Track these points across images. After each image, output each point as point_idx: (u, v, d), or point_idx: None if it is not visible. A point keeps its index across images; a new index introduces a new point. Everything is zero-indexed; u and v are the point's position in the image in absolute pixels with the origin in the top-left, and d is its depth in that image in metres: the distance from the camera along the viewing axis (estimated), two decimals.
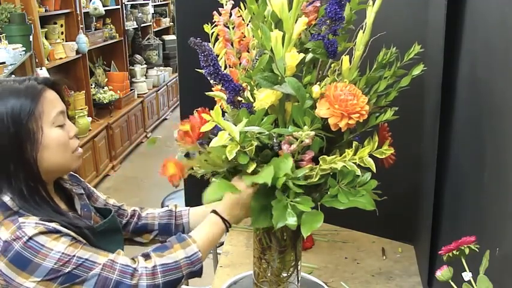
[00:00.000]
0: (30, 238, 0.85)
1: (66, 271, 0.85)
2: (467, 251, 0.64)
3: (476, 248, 0.64)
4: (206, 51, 0.88)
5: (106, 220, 1.06)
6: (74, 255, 0.86)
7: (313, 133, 0.85)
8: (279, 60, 0.87)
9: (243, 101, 0.95)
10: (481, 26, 0.94)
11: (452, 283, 0.65)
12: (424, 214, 1.27)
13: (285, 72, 0.88)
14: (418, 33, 1.19)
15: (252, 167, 0.87)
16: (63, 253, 0.86)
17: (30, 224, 0.87)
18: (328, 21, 0.87)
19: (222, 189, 0.88)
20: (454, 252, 0.65)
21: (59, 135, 0.95)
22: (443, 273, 0.66)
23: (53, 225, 0.88)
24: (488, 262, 0.62)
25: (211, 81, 0.93)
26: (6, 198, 0.91)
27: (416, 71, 0.91)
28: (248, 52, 1.01)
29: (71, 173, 1.13)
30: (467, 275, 0.62)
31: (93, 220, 1.05)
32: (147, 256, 0.94)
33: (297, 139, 0.85)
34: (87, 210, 1.07)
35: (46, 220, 0.89)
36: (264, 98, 0.89)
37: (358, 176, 0.89)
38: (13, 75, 2.77)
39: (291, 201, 0.85)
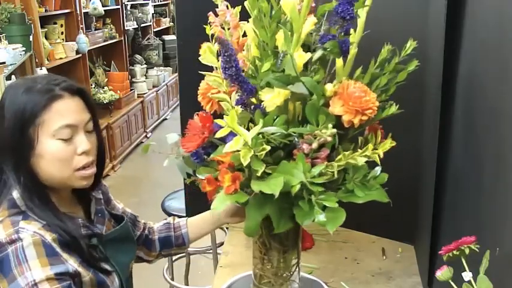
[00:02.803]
0: (22, 246, 0.83)
1: None
2: (467, 251, 0.64)
3: (476, 248, 0.64)
4: (229, 51, 0.84)
5: (117, 228, 1.04)
6: None
7: (334, 130, 0.85)
8: (289, 60, 0.88)
9: (255, 103, 0.94)
10: (481, 26, 0.94)
11: (452, 283, 0.65)
12: (424, 214, 1.27)
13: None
14: (418, 33, 1.19)
15: (261, 170, 0.84)
16: (35, 282, 0.81)
17: (29, 232, 0.85)
18: (340, 21, 0.88)
19: (228, 199, 0.85)
20: (454, 252, 0.65)
21: (56, 148, 0.90)
22: (443, 273, 0.66)
23: (50, 241, 0.85)
24: (488, 262, 0.62)
25: (229, 83, 0.90)
26: (16, 195, 0.89)
27: (411, 66, 0.93)
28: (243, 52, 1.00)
29: None
30: (467, 275, 0.62)
31: (105, 226, 1.03)
32: None
33: (315, 137, 0.86)
34: (101, 216, 1.04)
35: (48, 229, 0.86)
36: (271, 98, 0.89)
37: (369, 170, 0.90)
38: (13, 76, 2.77)
39: (317, 200, 0.85)
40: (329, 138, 0.85)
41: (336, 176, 0.86)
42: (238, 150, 0.83)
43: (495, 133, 0.82)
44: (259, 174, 0.83)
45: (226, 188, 0.84)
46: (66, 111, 0.91)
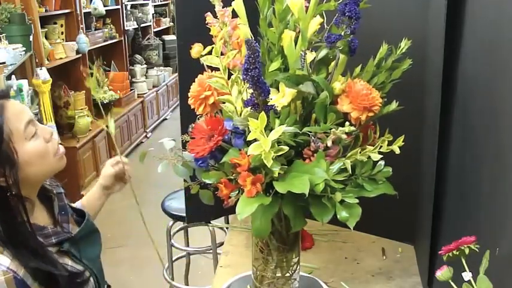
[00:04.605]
0: None
1: None
2: (467, 251, 0.64)
3: (476, 248, 0.64)
4: (256, 53, 0.82)
5: (83, 226, 1.03)
6: None
7: (354, 128, 0.87)
8: (296, 60, 0.89)
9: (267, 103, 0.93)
10: (481, 26, 0.94)
11: (452, 283, 0.65)
12: (424, 214, 1.27)
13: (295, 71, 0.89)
14: (418, 33, 1.19)
15: (277, 170, 0.84)
16: None
17: (1, 267, 0.82)
18: (347, 20, 0.89)
19: (252, 203, 0.83)
20: (454, 252, 0.65)
21: (35, 146, 0.90)
22: (443, 273, 0.65)
23: (23, 274, 0.82)
24: (488, 262, 0.62)
25: (247, 84, 0.88)
26: None
27: (405, 64, 0.96)
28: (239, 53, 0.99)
29: None
30: (467, 275, 0.62)
31: (70, 223, 1.02)
32: None
33: (327, 136, 0.87)
34: (65, 213, 1.03)
35: (22, 264, 0.83)
36: (277, 98, 0.89)
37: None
38: (13, 76, 2.77)
39: (344, 196, 0.85)
40: (344, 136, 0.86)
41: (349, 172, 0.88)
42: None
43: (495, 133, 0.82)
44: (276, 175, 0.83)
45: (248, 191, 0.83)
46: (18, 111, 0.89)
